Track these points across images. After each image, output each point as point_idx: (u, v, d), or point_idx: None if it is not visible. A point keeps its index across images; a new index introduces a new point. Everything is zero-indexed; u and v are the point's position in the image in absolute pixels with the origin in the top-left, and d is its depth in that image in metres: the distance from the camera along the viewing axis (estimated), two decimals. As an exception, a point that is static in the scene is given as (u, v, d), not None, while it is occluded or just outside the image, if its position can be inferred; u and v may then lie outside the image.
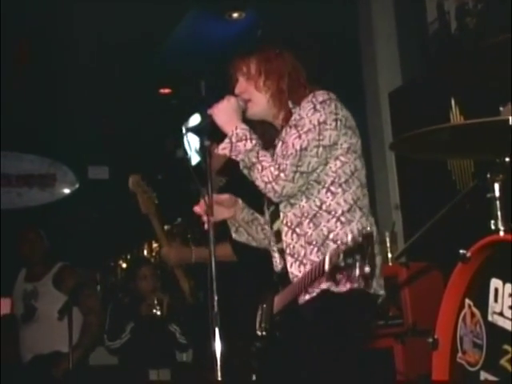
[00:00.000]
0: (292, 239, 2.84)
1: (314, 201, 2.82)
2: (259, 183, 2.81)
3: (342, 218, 2.79)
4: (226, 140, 2.83)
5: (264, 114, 2.99)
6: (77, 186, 9.82)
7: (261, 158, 2.78)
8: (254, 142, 2.81)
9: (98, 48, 7.40)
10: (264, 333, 2.94)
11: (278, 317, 2.90)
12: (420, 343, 3.37)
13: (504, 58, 4.46)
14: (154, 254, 9.26)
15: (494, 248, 2.80)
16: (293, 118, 2.86)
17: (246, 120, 2.96)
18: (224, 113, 2.88)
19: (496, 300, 2.75)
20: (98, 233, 9.21)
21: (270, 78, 2.93)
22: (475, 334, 2.83)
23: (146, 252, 9.50)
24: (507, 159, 2.94)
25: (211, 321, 2.81)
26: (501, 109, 3.36)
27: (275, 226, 2.98)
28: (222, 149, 2.84)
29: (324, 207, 2.80)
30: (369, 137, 6.02)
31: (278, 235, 2.95)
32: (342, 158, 2.83)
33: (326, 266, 2.32)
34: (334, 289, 2.68)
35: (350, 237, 2.22)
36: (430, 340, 2.96)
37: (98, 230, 9.31)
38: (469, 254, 2.84)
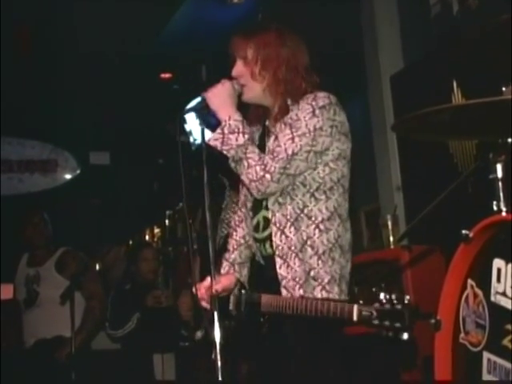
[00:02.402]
0: (281, 240, 2.82)
1: (298, 203, 2.81)
2: (244, 178, 2.81)
3: (321, 226, 2.79)
4: (218, 130, 2.81)
5: (259, 101, 2.96)
6: (78, 171, 9.84)
7: (248, 155, 2.76)
8: (246, 136, 2.78)
9: (98, 34, 7.38)
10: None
11: (267, 316, 2.87)
12: (422, 326, 3.37)
13: (506, 40, 4.44)
14: (155, 238, 9.29)
15: (496, 228, 2.79)
16: (289, 115, 2.83)
17: (241, 101, 2.94)
18: (218, 97, 2.85)
19: (499, 280, 2.74)
20: (100, 218, 9.22)
21: (267, 68, 2.88)
22: (478, 314, 2.82)
23: (147, 237, 9.53)
24: (509, 140, 2.93)
25: (210, 305, 2.81)
26: (503, 89, 3.34)
27: (255, 219, 2.97)
28: (214, 139, 2.81)
29: (305, 211, 2.80)
30: (370, 120, 6.01)
31: (257, 227, 2.95)
32: (331, 165, 2.82)
33: (355, 317, 2.27)
34: (306, 295, 2.72)
35: (383, 296, 2.18)
36: (433, 321, 2.95)
37: (100, 216, 9.33)
38: (471, 235, 2.83)
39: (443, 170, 5.06)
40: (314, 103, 2.79)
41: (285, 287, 2.80)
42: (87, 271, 5.74)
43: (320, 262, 2.77)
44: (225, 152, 2.80)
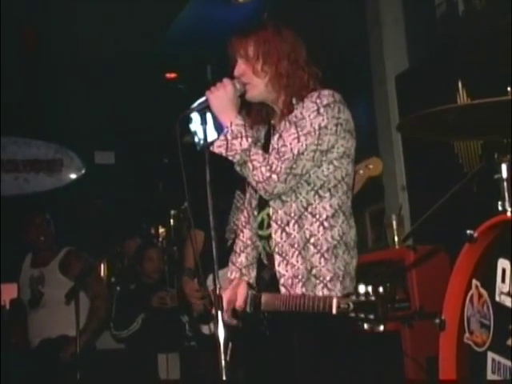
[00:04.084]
0: (281, 238, 2.82)
1: (301, 201, 2.80)
2: (251, 180, 2.80)
3: (325, 223, 2.79)
4: (221, 137, 2.79)
5: (263, 98, 2.95)
6: (83, 171, 9.86)
7: (252, 157, 2.75)
8: (249, 140, 2.77)
9: (103, 34, 7.39)
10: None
11: (266, 314, 2.87)
12: (427, 326, 3.37)
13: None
14: (160, 238, 9.28)
15: (501, 228, 2.79)
16: (294, 113, 2.82)
17: (245, 100, 2.93)
18: (219, 101, 2.83)
19: (503, 280, 2.74)
20: (105, 218, 9.23)
21: (268, 62, 2.87)
22: (482, 314, 2.83)
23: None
24: (515, 140, 2.94)
25: (214, 304, 2.81)
26: (509, 89, 3.34)
27: (260, 216, 2.96)
28: (218, 147, 2.79)
29: (310, 209, 2.79)
30: (375, 120, 6.01)
31: (261, 224, 2.94)
32: (336, 163, 2.81)
33: (334, 311, 2.28)
34: (308, 293, 2.71)
35: (362, 289, 2.19)
36: (437, 321, 2.96)
37: (105, 215, 9.33)
38: (476, 235, 2.83)
39: (448, 170, 5.06)
40: (318, 101, 2.78)
41: (283, 285, 2.80)
42: (92, 271, 5.75)
43: (322, 259, 2.77)
44: (230, 158, 2.79)
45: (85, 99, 8.59)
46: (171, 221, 9.22)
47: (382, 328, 2.16)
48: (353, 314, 2.19)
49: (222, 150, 2.78)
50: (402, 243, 4.74)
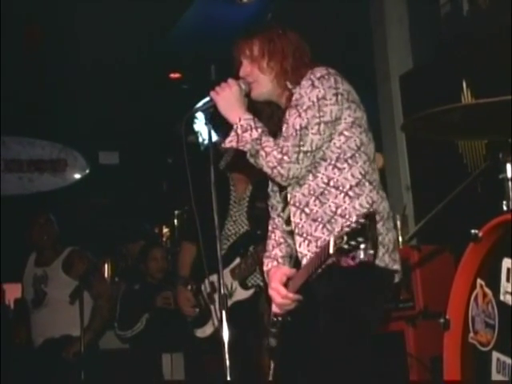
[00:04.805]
0: (301, 219, 2.79)
1: (322, 178, 2.77)
2: (266, 169, 2.78)
3: (351, 193, 2.73)
4: (232, 133, 2.79)
5: (269, 95, 2.95)
6: (87, 171, 9.87)
7: (264, 144, 2.74)
8: (259, 130, 2.77)
9: (108, 34, 7.40)
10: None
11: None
12: (431, 326, 3.37)
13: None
14: (164, 238, 9.29)
15: (505, 228, 2.78)
16: (294, 97, 2.82)
17: (252, 102, 2.93)
18: (226, 102, 2.84)
19: (508, 280, 2.74)
20: (108, 218, 9.23)
21: (274, 59, 2.89)
22: (487, 314, 2.82)
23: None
24: (519, 139, 2.93)
25: (219, 304, 2.81)
26: (513, 89, 3.34)
27: (285, 213, 2.94)
28: (229, 142, 2.79)
29: (332, 183, 2.76)
30: (379, 120, 6.00)
31: (288, 220, 2.91)
32: (346, 133, 2.78)
33: (331, 250, 2.32)
34: (342, 263, 2.64)
35: (353, 218, 2.21)
36: (442, 320, 2.95)
37: (109, 215, 9.34)
38: (480, 234, 2.82)
39: (452, 169, 5.05)
40: (312, 76, 2.78)
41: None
42: (96, 271, 5.75)
43: None
44: (241, 148, 2.78)
45: (89, 99, 8.59)
46: (175, 221, 9.24)
47: (371, 251, 2.20)
48: (346, 246, 2.23)
49: (234, 144, 2.79)
50: (407, 243, 4.74)
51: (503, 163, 2.98)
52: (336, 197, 2.74)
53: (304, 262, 2.77)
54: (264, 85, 2.92)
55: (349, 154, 2.78)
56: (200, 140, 7.89)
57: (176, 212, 9.15)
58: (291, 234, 2.89)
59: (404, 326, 4.35)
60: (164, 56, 8.02)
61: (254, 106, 2.94)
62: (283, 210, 2.97)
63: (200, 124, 7.75)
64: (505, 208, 2.93)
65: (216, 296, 4.11)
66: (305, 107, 2.74)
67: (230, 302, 3.72)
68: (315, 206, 2.76)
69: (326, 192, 2.76)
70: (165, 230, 9.53)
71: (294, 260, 2.93)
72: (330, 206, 2.74)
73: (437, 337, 3.06)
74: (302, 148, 2.72)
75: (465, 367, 2.91)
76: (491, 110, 2.84)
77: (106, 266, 8.10)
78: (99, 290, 5.73)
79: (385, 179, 5.88)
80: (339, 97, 2.77)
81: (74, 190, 9.71)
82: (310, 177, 2.79)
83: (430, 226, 3.70)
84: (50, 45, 7.53)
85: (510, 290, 2.72)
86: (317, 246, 2.72)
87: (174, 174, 8.96)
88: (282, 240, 3.03)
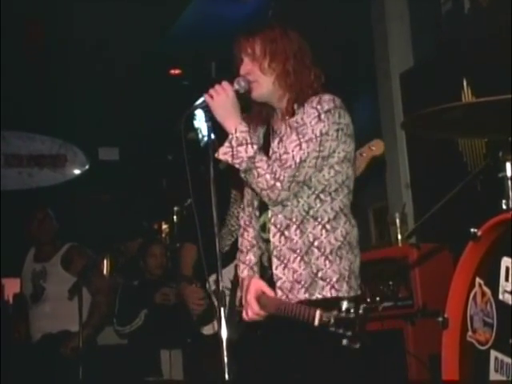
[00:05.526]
0: (280, 242, 2.81)
1: (303, 205, 2.79)
2: (255, 188, 2.79)
3: (328, 226, 2.78)
4: (226, 144, 2.77)
5: (269, 97, 2.93)
6: (87, 166, 9.87)
7: (257, 164, 2.73)
8: (254, 147, 2.75)
9: (108, 30, 7.39)
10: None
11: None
12: (430, 324, 3.36)
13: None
14: (163, 234, 9.29)
15: (505, 227, 2.78)
16: (295, 119, 2.81)
17: (247, 100, 2.92)
18: (222, 108, 2.80)
19: (507, 279, 2.74)
20: (108, 214, 9.23)
21: (276, 60, 2.87)
22: (486, 312, 2.82)
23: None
24: (520, 138, 2.93)
25: (217, 301, 2.81)
26: (514, 87, 3.33)
27: (261, 219, 2.95)
28: (223, 154, 2.76)
29: (311, 213, 2.79)
30: (380, 118, 6.00)
31: (263, 227, 2.92)
32: (337, 167, 2.81)
33: (316, 322, 2.35)
34: (314, 297, 2.73)
35: (344, 306, 2.27)
36: (440, 319, 2.95)
37: (108, 211, 9.34)
38: (480, 233, 2.83)
39: (452, 168, 5.05)
40: (319, 107, 2.77)
41: (280, 288, 2.79)
42: (95, 267, 5.75)
43: (327, 262, 2.76)
44: (236, 165, 2.77)
45: (89, 95, 8.59)
46: (174, 217, 9.23)
47: (357, 346, 2.24)
48: (333, 329, 2.27)
49: (228, 158, 2.76)
50: (406, 241, 4.74)
51: (503, 162, 2.98)
52: (314, 228, 2.79)
53: (279, 284, 2.79)
54: (265, 86, 2.90)
55: (333, 188, 2.82)
56: (200, 137, 7.87)
57: (175, 208, 9.15)
58: (266, 241, 2.91)
59: (403, 324, 4.36)
60: (164, 52, 8.01)
61: (246, 100, 2.93)
62: (260, 215, 2.96)
63: (200, 121, 7.74)
64: (504, 207, 2.93)
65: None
66: (307, 138, 2.74)
67: (237, 296, 3.71)
68: (296, 235, 2.79)
69: (305, 220, 2.79)
70: (164, 227, 9.53)
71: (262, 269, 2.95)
72: (308, 236, 2.78)
73: (435, 335, 3.06)
74: (295, 178, 2.74)
75: (463, 366, 2.91)
76: (491, 108, 2.84)
77: (105, 261, 8.08)
78: (98, 285, 5.73)
79: (384, 177, 5.89)
80: (340, 132, 2.78)
81: (74, 186, 9.71)
82: (294, 201, 2.81)
83: (429, 225, 3.69)
84: (51, 40, 7.53)
85: (508, 289, 2.72)
86: (292, 277, 2.77)
87: (173, 171, 8.96)
88: (254, 242, 3.04)
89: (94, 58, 7.88)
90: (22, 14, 6.83)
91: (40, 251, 5.87)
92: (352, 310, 2.25)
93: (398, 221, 4.93)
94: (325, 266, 2.76)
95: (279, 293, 2.79)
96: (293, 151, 2.74)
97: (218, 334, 2.73)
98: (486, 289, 2.84)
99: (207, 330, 4.38)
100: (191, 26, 7.47)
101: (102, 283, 5.85)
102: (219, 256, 2.78)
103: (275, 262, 2.82)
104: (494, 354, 2.77)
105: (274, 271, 2.82)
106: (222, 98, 2.80)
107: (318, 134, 2.74)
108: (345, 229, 2.81)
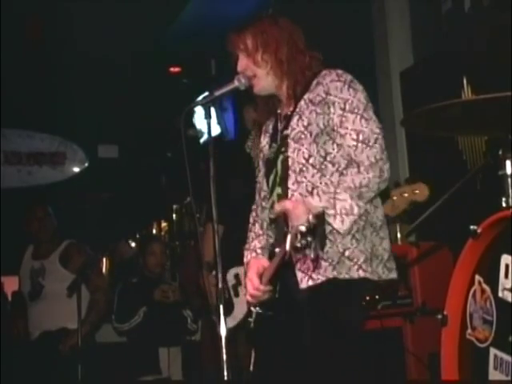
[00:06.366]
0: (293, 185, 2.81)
1: (327, 183, 2.75)
2: (382, 187, 2.80)
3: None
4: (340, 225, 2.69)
5: (270, 88, 2.95)
6: (86, 164, 9.87)
7: (337, 196, 2.66)
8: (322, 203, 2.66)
9: (108, 28, 7.39)
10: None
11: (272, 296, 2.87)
12: (429, 322, 3.37)
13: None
14: (162, 232, 9.29)
15: (504, 224, 2.78)
16: (315, 94, 2.81)
17: (252, 94, 2.94)
18: (301, 215, 2.56)
19: (506, 276, 2.73)
20: (107, 211, 9.24)
21: (268, 51, 2.88)
22: (485, 310, 2.82)
23: (154, 231, 9.53)
24: (519, 136, 2.93)
25: (216, 297, 2.80)
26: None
27: (271, 200, 2.93)
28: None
29: (328, 158, 2.77)
30: (380, 116, 5.99)
31: (273, 206, 2.90)
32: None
33: (287, 246, 2.34)
34: (341, 276, 2.69)
35: (304, 218, 2.27)
36: (440, 317, 2.95)
37: (108, 209, 9.34)
38: (479, 230, 2.83)
39: (452, 166, 5.05)
40: (342, 78, 2.80)
41: (300, 270, 2.75)
42: (93, 264, 5.75)
43: (354, 241, 2.73)
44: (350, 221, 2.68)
45: (89, 93, 8.59)
46: (174, 215, 9.24)
47: (320, 253, 2.35)
48: (299, 244, 2.27)
49: (348, 224, 2.68)
50: (405, 239, 4.73)
51: (503, 160, 2.98)
52: (332, 174, 2.77)
53: (298, 265, 2.74)
54: (263, 79, 2.92)
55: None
56: (198, 134, 7.88)
57: (174, 206, 9.15)
58: (273, 221, 2.92)
59: (402, 322, 4.35)
60: (164, 50, 8.01)
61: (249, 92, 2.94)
62: (270, 196, 2.96)
63: (200, 118, 7.74)
64: (504, 204, 2.93)
65: (240, 289, 4.13)
66: (361, 109, 2.77)
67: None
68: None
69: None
70: (163, 225, 9.53)
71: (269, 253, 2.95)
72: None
73: (435, 333, 3.06)
74: (383, 147, 2.83)
75: (462, 363, 2.91)
76: (491, 106, 2.83)
77: (104, 259, 8.09)
78: (96, 283, 5.73)
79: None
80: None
81: (73, 184, 9.71)
82: (317, 177, 2.77)
83: (429, 223, 3.69)
84: (51, 38, 7.53)
85: (508, 286, 2.72)
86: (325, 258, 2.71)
87: (173, 168, 8.96)
88: (261, 232, 3.05)
89: (93, 56, 7.88)
90: (22, 10, 6.82)
91: (39, 248, 5.86)
92: (312, 221, 2.25)
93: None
94: (351, 245, 2.72)
95: (299, 275, 2.74)
96: (365, 127, 2.76)
97: (237, 329, 2.73)
98: (485, 286, 2.83)
99: (229, 323, 4.34)
100: (191, 24, 7.48)
101: (100, 281, 5.85)
102: (219, 256, 2.78)
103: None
104: (493, 351, 2.76)
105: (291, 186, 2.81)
106: (300, 209, 2.60)
107: (364, 101, 2.79)
108: (366, 209, 2.76)
